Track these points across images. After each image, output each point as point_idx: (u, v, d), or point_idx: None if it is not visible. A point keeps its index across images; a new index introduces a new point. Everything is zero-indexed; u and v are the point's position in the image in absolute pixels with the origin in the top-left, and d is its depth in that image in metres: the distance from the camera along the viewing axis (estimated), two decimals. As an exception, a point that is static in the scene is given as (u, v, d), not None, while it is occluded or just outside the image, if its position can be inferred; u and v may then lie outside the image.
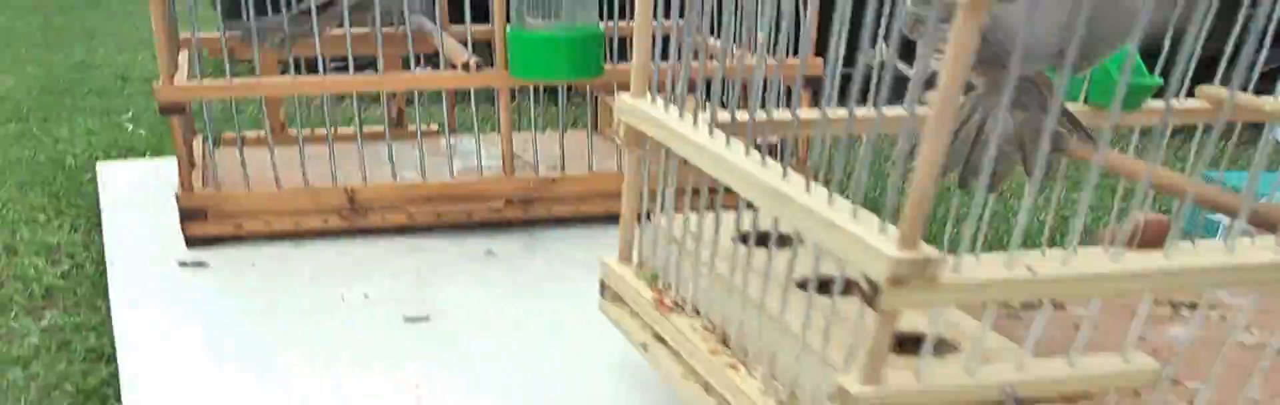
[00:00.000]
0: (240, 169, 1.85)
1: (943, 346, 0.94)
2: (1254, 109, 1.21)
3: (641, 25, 1.12)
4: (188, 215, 1.84)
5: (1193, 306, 1.23)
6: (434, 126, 2.28)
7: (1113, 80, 1.20)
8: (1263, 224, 0.87)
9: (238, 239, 1.87)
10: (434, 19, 2.06)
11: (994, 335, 0.95)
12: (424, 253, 1.83)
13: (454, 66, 1.84)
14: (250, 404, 1.34)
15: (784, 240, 1.12)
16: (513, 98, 1.95)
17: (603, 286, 1.28)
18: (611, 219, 1.49)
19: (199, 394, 1.36)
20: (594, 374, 1.38)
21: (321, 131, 2.12)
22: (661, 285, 1.18)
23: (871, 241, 0.76)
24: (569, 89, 2.29)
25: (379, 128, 2.15)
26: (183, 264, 1.80)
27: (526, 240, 1.89)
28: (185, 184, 1.84)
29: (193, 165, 1.87)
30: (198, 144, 2.02)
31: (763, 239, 1.08)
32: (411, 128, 2.24)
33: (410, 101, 2.29)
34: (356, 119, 1.90)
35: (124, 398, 1.36)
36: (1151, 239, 0.93)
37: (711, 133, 1.01)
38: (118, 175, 2.31)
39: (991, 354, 0.91)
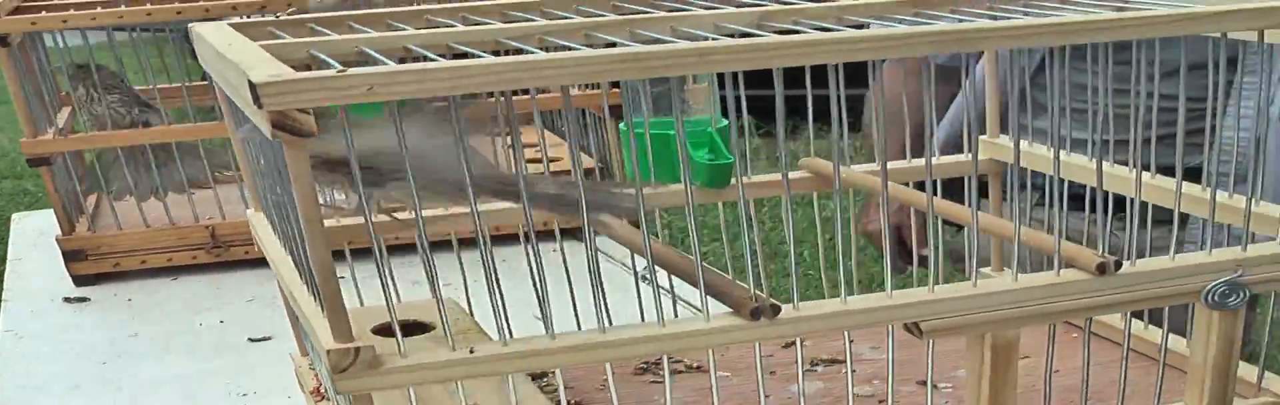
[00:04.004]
0: (115, 214, 2.02)
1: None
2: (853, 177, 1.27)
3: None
4: (69, 256, 2.01)
5: (833, 362, 1.29)
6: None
7: (698, 162, 1.26)
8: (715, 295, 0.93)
9: (121, 276, 2.02)
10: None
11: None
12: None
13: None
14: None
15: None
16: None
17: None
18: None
19: (53, 400, 1.57)
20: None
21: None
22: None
23: (320, 334, 0.85)
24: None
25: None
26: (67, 299, 1.98)
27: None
28: (63, 228, 1.99)
29: (69, 211, 2.02)
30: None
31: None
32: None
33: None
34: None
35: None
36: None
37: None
38: (29, 223, 2.49)
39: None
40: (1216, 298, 0.98)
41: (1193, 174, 1.11)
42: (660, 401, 1.23)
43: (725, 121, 1.36)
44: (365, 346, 0.83)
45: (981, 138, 1.33)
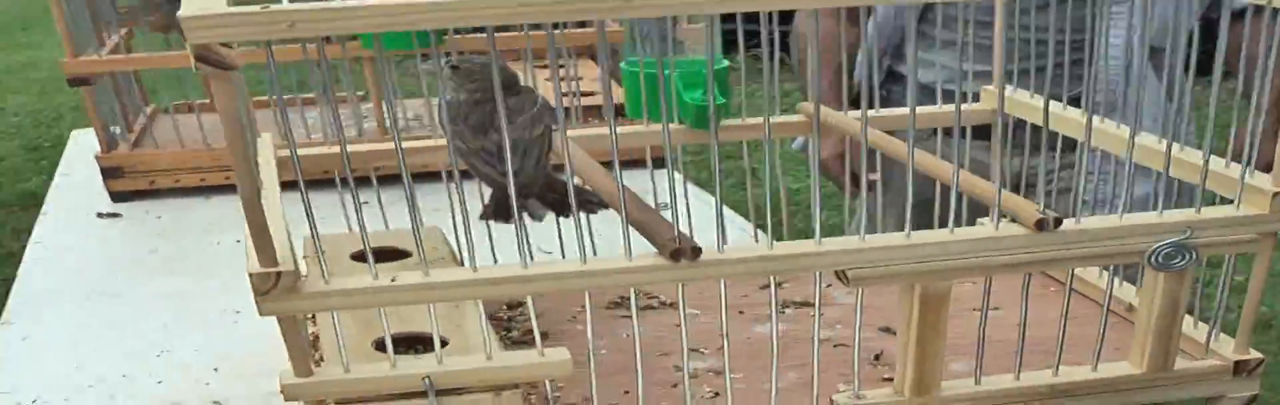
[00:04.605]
0: (164, 133, 2.09)
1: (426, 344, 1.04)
2: (844, 123, 1.27)
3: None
4: (107, 173, 2.06)
5: (804, 305, 1.30)
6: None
7: (690, 103, 1.27)
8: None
9: (155, 194, 2.08)
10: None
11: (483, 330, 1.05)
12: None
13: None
14: (103, 322, 1.56)
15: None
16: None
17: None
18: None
19: (65, 311, 1.61)
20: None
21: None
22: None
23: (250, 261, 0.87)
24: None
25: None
26: (100, 214, 2.04)
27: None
28: (103, 145, 2.05)
29: (109, 130, 2.08)
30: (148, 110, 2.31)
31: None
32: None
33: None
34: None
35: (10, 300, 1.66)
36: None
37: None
38: (85, 140, 2.52)
39: (465, 349, 1.01)
40: (1160, 259, 0.98)
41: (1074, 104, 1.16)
42: (624, 335, 1.25)
43: (726, 62, 1.37)
44: (286, 272, 0.86)
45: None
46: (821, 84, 1.35)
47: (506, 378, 0.95)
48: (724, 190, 0.94)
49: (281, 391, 0.93)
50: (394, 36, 1.84)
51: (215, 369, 1.35)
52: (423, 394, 0.93)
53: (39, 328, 1.53)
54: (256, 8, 0.78)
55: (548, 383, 1.03)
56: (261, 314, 0.88)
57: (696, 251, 0.90)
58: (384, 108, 2.11)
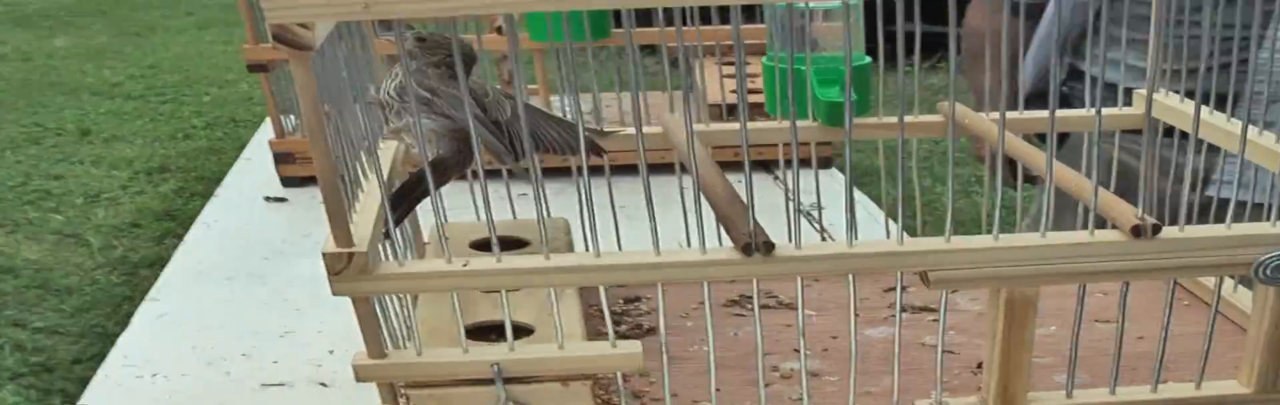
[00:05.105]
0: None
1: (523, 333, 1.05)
2: (979, 125, 1.23)
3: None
4: (279, 159, 2.13)
5: (926, 310, 1.27)
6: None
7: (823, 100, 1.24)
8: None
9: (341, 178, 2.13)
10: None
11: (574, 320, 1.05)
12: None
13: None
14: (238, 303, 1.63)
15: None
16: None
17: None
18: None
19: (206, 290, 1.69)
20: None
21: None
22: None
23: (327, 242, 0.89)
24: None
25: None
26: (267, 198, 2.11)
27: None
28: (277, 131, 2.12)
29: (284, 116, 2.15)
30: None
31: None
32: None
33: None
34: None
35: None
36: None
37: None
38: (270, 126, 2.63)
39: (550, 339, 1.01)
40: (1270, 272, 0.92)
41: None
42: (734, 334, 1.24)
43: (867, 59, 1.34)
44: (358, 253, 0.87)
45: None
46: (989, 82, 1.32)
47: (576, 368, 0.95)
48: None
49: (355, 372, 0.94)
50: (557, 29, 1.87)
51: (330, 351, 1.38)
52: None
53: (178, 305, 1.59)
54: (330, -11, 0.80)
55: (619, 375, 1.03)
56: (334, 293, 0.89)
57: (769, 246, 0.89)
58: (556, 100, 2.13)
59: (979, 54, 1.76)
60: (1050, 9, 1.75)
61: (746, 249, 0.89)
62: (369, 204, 0.99)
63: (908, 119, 1.26)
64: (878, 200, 1.77)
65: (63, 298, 2.81)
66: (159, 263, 1.79)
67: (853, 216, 0.93)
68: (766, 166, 2.17)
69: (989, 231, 0.92)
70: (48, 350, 2.52)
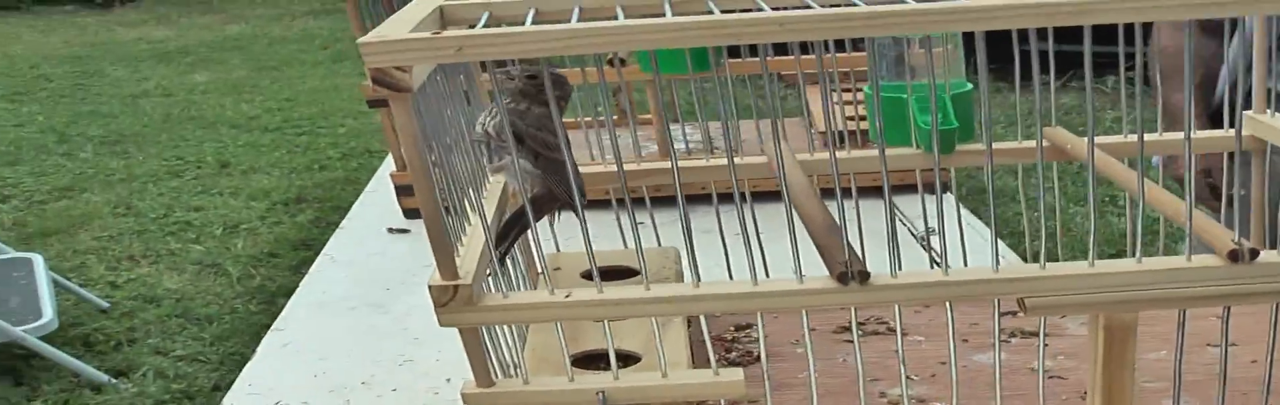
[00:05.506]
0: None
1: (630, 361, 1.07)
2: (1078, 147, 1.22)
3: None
4: (401, 191, 2.18)
5: (1033, 335, 1.27)
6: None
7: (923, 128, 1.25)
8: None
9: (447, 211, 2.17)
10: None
11: (680, 349, 1.07)
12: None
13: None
14: (360, 332, 1.66)
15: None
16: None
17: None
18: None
19: (329, 320, 1.72)
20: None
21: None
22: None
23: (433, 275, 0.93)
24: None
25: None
26: (390, 230, 2.16)
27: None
28: (398, 164, 2.17)
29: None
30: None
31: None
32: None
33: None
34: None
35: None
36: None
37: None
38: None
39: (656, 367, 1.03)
40: (1372, 295, 0.91)
41: None
42: (842, 360, 1.25)
43: (969, 86, 1.35)
44: (463, 285, 0.90)
45: (1246, 113, 1.26)
46: (1175, 100, 1.31)
47: (679, 396, 0.97)
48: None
49: (464, 400, 0.97)
50: (669, 61, 1.89)
51: (447, 379, 1.42)
52: (600, 409, 0.96)
53: (302, 334, 1.64)
54: (428, 34, 0.83)
55: (722, 403, 1.04)
56: (440, 324, 0.93)
57: (864, 275, 0.90)
58: (661, 130, 2.16)
59: (1170, 73, 1.73)
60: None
61: (842, 278, 0.90)
62: (476, 238, 1.02)
63: (1010, 145, 1.27)
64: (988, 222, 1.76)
65: (203, 326, 2.90)
66: (295, 292, 1.84)
67: (952, 240, 0.94)
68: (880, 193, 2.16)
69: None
70: (188, 377, 2.60)
